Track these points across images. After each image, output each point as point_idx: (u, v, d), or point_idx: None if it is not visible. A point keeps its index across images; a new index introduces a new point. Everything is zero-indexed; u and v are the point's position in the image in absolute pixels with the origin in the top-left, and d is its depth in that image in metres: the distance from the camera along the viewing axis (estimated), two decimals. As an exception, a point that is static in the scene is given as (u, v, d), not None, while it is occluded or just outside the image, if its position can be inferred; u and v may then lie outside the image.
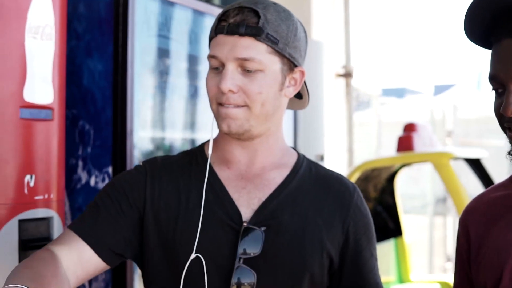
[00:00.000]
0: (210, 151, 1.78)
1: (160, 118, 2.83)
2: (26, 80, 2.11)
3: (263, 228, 1.69)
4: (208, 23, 2.93)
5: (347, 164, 6.96)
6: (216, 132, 1.79)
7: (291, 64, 1.74)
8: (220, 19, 1.72)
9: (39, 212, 2.18)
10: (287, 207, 1.74)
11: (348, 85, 6.92)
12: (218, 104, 1.71)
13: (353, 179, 4.86)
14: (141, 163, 1.83)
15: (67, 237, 1.71)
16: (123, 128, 2.55)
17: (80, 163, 2.62)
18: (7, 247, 2.08)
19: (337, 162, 6.56)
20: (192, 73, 2.99)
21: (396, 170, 5.35)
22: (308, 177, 1.80)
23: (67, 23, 2.31)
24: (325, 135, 4.59)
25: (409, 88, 24.55)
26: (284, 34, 1.70)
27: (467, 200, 4.31)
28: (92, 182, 2.60)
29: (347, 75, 6.93)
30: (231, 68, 1.68)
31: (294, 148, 1.87)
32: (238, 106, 1.69)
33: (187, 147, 2.89)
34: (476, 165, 5.30)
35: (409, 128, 5.12)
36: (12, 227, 2.09)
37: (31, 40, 2.12)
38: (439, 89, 24.91)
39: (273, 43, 1.69)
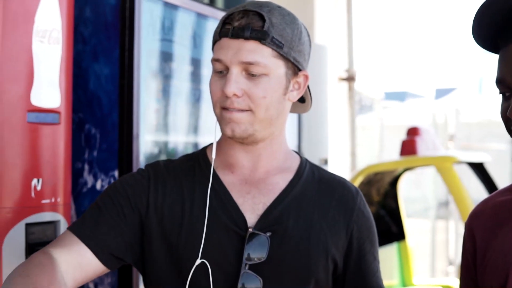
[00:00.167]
0: (213, 155, 1.76)
1: (164, 121, 2.83)
2: (33, 84, 2.12)
3: (268, 234, 1.68)
4: (212, 26, 2.94)
5: (350, 167, 6.96)
6: (218, 136, 1.78)
7: (295, 68, 1.73)
8: (225, 22, 1.70)
9: (46, 216, 2.19)
10: (292, 212, 1.73)
11: (351, 88, 6.93)
12: (222, 108, 1.69)
13: (356, 183, 4.86)
14: (143, 167, 1.82)
15: (67, 239, 1.69)
16: (129, 132, 2.55)
17: (86, 167, 2.63)
18: (14, 250, 2.08)
19: (340, 166, 6.56)
20: (196, 76, 2.99)
21: (399, 174, 5.35)
22: (312, 181, 1.79)
23: (74, 27, 2.32)
24: (329, 139, 4.59)
25: (410, 92, 24.53)
26: (289, 38, 1.69)
27: (470, 204, 4.31)
28: (98, 185, 2.60)
29: (350, 79, 6.93)
30: (236, 72, 1.66)
31: (297, 152, 1.87)
32: (242, 110, 1.68)
33: (190, 150, 2.89)
34: (479, 169, 5.30)
35: (412, 132, 5.12)
36: (19, 230, 2.10)
37: (38, 44, 2.12)
38: (441, 93, 24.89)
39: (278, 47, 1.67)
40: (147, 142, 2.70)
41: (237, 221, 1.71)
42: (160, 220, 1.72)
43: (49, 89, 2.18)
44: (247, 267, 1.66)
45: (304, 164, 1.82)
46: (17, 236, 2.09)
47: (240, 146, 1.75)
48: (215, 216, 1.71)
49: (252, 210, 1.73)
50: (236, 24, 1.67)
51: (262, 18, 1.67)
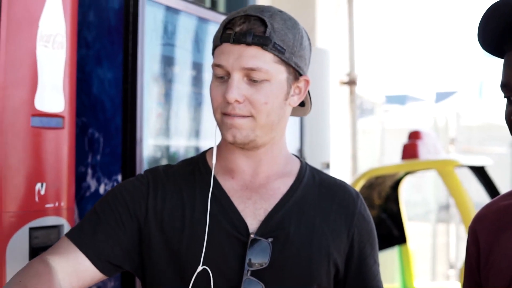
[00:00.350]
0: (214, 161, 1.75)
1: (166, 126, 2.84)
2: (37, 89, 2.12)
3: (270, 239, 1.67)
4: (213, 30, 2.93)
5: (351, 171, 6.97)
6: (218, 141, 1.77)
7: (296, 73, 1.72)
8: (226, 27, 1.68)
9: (50, 220, 2.19)
10: (293, 217, 1.73)
11: (352, 92, 6.94)
12: (223, 114, 1.68)
13: (358, 187, 4.86)
14: (142, 173, 1.81)
15: (65, 247, 1.68)
16: (132, 136, 2.56)
17: (90, 171, 2.63)
18: (18, 254, 2.09)
19: (342, 170, 6.57)
20: (198, 80, 3.00)
21: (400, 178, 5.36)
22: (312, 185, 1.78)
23: (77, 31, 2.33)
24: (331, 143, 4.60)
25: (411, 95, 24.54)
26: (290, 43, 1.68)
27: (471, 207, 4.31)
28: (102, 190, 2.61)
29: (351, 82, 6.94)
30: (237, 78, 1.65)
31: (297, 156, 1.86)
32: (243, 116, 1.66)
33: (192, 155, 2.89)
34: (480, 172, 5.31)
35: (414, 135, 5.12)
36: (22, 234, 2.10)
37: (42, 48, 2.13)
38: (441, 96, 24.90)
39: (280, 52, 1.66)
40: (149, 146, 2.71)
41: (238, 227, 1.70)
42: (161, 226, 1.71)
43: (53, 93, 2.18)
44: (249, 273, 1.65)
45: (305, 168, 1.81)
46: (21, 240, 2.09)
47: (241, 151, 1.73)
48: (216, 222, 1.69)
49: (253, 215, 1.71)
50: (237, 29, 1.65)
51: (264, 23, 1.66)
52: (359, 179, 4.96)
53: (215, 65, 1.68)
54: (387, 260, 5.21)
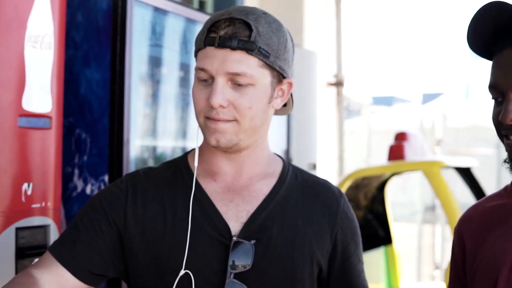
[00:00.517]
0: (196, 163, 1.74)
1: (153, 126, 2.84)
2: (24, 89, 2.12)
3: (253, 242, 1.66)
4: (201, 31, 2.94)
5: (338, 172, 6.98)
6: (200, 143, 1.76)
7: (280, 76, 1.70)
8: (210, 29, 1.66)
9: (36, 220, 2.20)
10: (276, 219, 1.72)
11: (339, 94, 6.95)
12: (206, 117, 1.66)
13: (344, 187, 4.88)
14: (123, 177, 1.80)
15: (48, 261, 1.69)
16: (119, 137, 2.56)
17: (76, 172, 2.63)
18: (4, 254, 2.09)
19: (328, 170, 6.58)
20: (185, 81, 3.00)
21: (386, 179, 5.38)
22: (295, 185, 1.77)
23: (66, 32, 2.33)
24: (317, 144, 4.61)
25: (397, 97, 24.61)
26: (275, 47, 1.66)
27: (457, 208, 4.34)
28: (88, 190, 2.61)
29: (338, 84, 6.95)
30: (222, 82, 1.63)
31: (279, 156, 1.84)
32: (227, 120, 1.65)
33: (179, 155, 2.89)
34: (466, 174, 5.33)
35: (400, 137, 5.14)
36: (9, 235, 2.11)
37: (30, 49, 2.13)
38: (428, 98, 24.97)
39: (264, 56, 1.64)
40: (137, 147, 2.71)
41: (220, 230, 1.68)
42: (142, 232, 1.70)
43: (40, 94, 2.19)
44: (232, 276, 1.64)
45: (287, 168, 1.80)
46: (7, 240, 2.10)
47: (223, 154, 1.72)
48: (198, 226, 1.68)
49: (236, 218, 1.70)
50: (222, 33, 1.63)
51: (249, 27, 1.63)
52: (345, 180, 4.97)
53: (199, 69, 1.67)
54: (373, 261, 5.23)
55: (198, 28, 2.99)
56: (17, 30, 2.10)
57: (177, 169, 1.77)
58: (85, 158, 2.62)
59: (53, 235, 2.23)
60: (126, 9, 2.58)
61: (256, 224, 1.70)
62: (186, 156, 1.80)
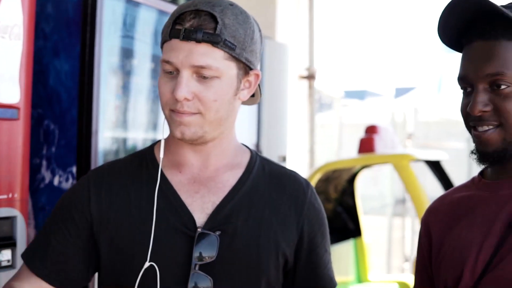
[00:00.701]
0: (161, 155, 1.73)
1: (124, 118, 2.84)
2: (-8, 80, 2.12)
3: (218, 233, 1.66)
4: (174, 24, 2.94)
5: (308, 165, 7.00)
6: (166, 135, 1.75)
7: (246, 67, 1.70)
8: (175, 21, 1.64)
9: (2, 212, 2.19)
10: (242, 210, 1.72)
11: (311, 87, 6.96)
12: (171, 110, 1.66)
13: (314, 180, 4.90)
14: (88, 173, 1.79)
15: (24, 272, 1.71)
16: (88, 128, 2.56)
17: (44, 163, 2.62)
18: (-29, 245, 2.09)
19: (299, 163, 6.60)
20: (157, 73, 2.99)
21: (356, 172, 5.41)
22: (262, 176, 1.77)
23: (35, 23, 2.32)
24: (288, 137, 4.62)
25: (370, 91, 24.70)
26: (241, 39, 1.65)
27: (426, 201, 4.38)
28: (56, 181, 2.60)
29: (310, 77, 6.96)
30: (186, 75, 1.62)
31: (247, 146, 1.84)
32: (192, 113, 1.64)
33: (150, 147, 2.89)
34: (436, 167, 5.38)
35: (371, 130, 5.17)
36: (-25, 225, 2.10)
37: (-1, 39, 2.13)
38: (400, 92, 25.08)
39: (230, 49, 1.64)
40: (107, 138, 2.71)
41: (186, 222, 1.68)
42: (107, 225, 1.70)
43: (8, 84, 2.18)
44: (197, 268, 1.65)
45: (255, 159, 1.79)
46: (-27, 232, 2.09)
47: (189, 145, 1.72)
48: (163, 218, 1.68)
49: (201, 209, 1.70)
50: (187, 25, 1.62)
51: (214, 19, 1.62)
52: (315, 173, 4.99)
53: (164, 61, 1.65)
54: (342, 253, 5.26)
55: (170, 20, 2.99)
56: (-15, 20, 2.09)
57: (142, 161, 1.76)
58: (53, 149, 2.61)
59: (20, 227, 2.22)
60: (97, 0, 2.58)
61: (221, 215, 1.70)
62: (152, 147, 1.79)
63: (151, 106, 2.99)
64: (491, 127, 1.53)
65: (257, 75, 1.74)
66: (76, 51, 2.59)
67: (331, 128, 8.57)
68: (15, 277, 1.72)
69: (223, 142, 1.74)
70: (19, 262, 2.03)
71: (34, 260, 1.71)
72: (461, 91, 1.58)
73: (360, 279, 5.44)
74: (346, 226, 5.40)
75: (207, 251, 1.65)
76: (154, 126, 3.00)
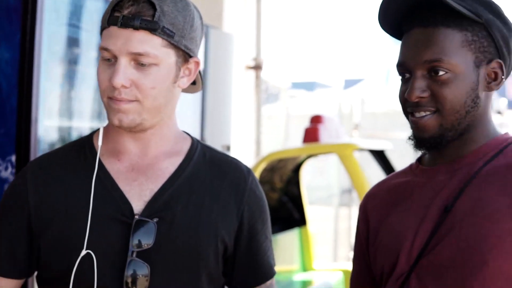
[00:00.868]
0: (100, 143, 1.72)
1: (68, 107, 2.82)
2: None
3: (155, 220, 1.66)
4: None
5: (255, 155, 7.03)
6: (106, 122, 1.74)
7: (186, 55, 1.70)
8: (114, 9, 1.62)
9: None
10: (181, 197, 1.71)
11: (257, 77, 6.98)
12: (109, 98, 1.64)
13: (259, 170, 4.91)
14: (26, 165, 1.78)
15: None
16: (27, 117, 2.54)
17: (-17, 151, 2.60)
18: None
19: (245, 153, 6.62)
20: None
21: (302, 161, 5.43)
22: (203, 163, 1.77)
23: (-26, 10, 2.30)
24: (232, 126, 4.63)
25: (319, 82, 24.81)
26: (180, 26, 1.65)
27: (369, 190, 4.41)
28: (-5, 170, 2.59)
29: (257, 67, 6.98)
30: (124, 63, 1.61)
31: (188, 134, 1.83)
32: (130, 101, 1.64)
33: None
34: (380, 156, 5.44)
35: (316, 120, 5.19)
36: None
37: None
38: (349, 83, 25.23)
39: (169, 36, 1.63)
40: (49, 127, 2.69)
41: (123, 210, 1.68)
42: (45, 216, 1.69)
43: None
44: (134, 255, 1.64)
45: (196, 146, 1.79)
46: None
47: (128, 133, 1.71)
48: (101, 206, 1.68)
49: (139, 197, 1.69)
50: (125, 12, 1.61)
51: (153, 6, 1.61)
52: (260, 162, 4.99)
53: (102, 48, 1.65)
54: (287, 242, 5.29)
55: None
56: None
57: (81, 150, 1.75)
58: (-7, 137, 2.59)
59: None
60: (37, -12, 2.56)
61: (159, 203, 1.69)
62: (91, 136, 1.78)
63: (95, 95, 2.97)
64: (428, 113, 1.55)
65: (197, 63, 1.74)
66: (16, 39, 2.57)
67: (278, 119, 8.61)
68: None
69: (162, 130, 1.73)
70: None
71: None
72: (399, 75, 1.60)
73: (305, 267, 5.47)
74: (291, 215, 5.42)
75: (144, 238, 1.65)
76: (99, 115, 2.99)
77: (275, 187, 5.32)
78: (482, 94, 1.57)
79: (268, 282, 1.82)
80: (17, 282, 1.73)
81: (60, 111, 2.77)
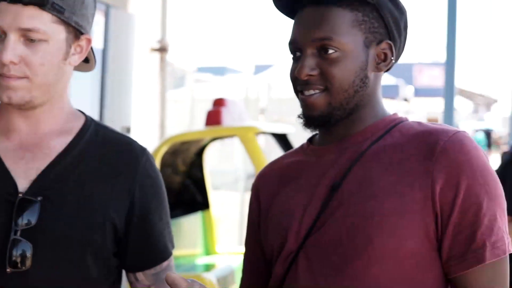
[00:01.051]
0: None
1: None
2: None
3: (39, 198, 1.64)
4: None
5: (159, 138, 6.99)
6: None
7: (77, 32, 1.69)
8: None
9: None
10: (69, 176, 1.69)
11: (162, 60, 6.94)
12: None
13: (161, 152, 4.88)
14: None
15: None
16: None
17: None
18: None
19: (148, 136, 6.58)
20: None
21: (205, 145, 5.43)
22: (95, 142, 1.75)
23: None
24: (134, 108, 4.59)
25: (229, 67, 24.90)
26: (71, 2, 1.64)
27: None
28: None
29: (162, 49, 6.93)
30: (13, 39, 1.60)
31: (83, 112, 1.82)
32: (19, 77, 1.62)
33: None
34: (283, 140, 5.48)
35: (218, 103, 5.20)
36: None
37: None
38: (260, 69, 25.42)
39: (58, 12, 1.62)
40: None
41: (7, 188, 1.65)
42: None
43: None
44: (18, 234, 1.62)
45: (89, 125, 1.77)
46: None
47: (18, 111, 1.69)
48: None
49: (25, 175, 1.67)
50: None
51: None
52: (162, 145, 4.96)
53: None
54: (191, 226, 5.29)
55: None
56: None
57: None
58: None
59: None
60: None
61: (45, 182, 1.67)
62: None
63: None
64: (317, 91, 1.55)
65: (89, 40, 1.72)
66: None
67: (184, 103, 8.59)
68: None
69: (53, 108, 1.72)
70: None
71: None
72: (290, 54, 1.60)
73: (208, 251, 5.49)
74: (194, 198, 5.41)
75: (27, 217, 1.63)
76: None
77: (178, 170, 5.30)
78: (371, 74, 1.58)
79: (165, 264, 1.79)
80: None
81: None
